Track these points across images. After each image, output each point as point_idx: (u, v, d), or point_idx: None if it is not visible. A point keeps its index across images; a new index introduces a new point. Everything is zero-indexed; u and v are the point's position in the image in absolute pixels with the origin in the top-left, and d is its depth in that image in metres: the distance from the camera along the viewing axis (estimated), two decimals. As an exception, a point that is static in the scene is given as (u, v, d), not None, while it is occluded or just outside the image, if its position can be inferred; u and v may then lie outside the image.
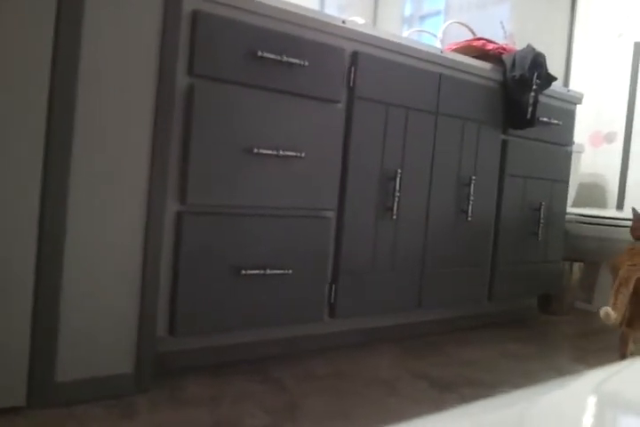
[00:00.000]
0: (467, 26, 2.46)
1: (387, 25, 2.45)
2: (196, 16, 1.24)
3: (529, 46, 1.95)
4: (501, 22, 2.87)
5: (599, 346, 1.84)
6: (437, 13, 2.69)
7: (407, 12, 2.63)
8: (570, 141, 2.15)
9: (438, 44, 2.41)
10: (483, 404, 0.32)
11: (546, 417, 0.31)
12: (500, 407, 0.32)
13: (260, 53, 1.30)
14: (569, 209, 2.47)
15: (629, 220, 2.24)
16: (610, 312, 1.61)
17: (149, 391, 1.17)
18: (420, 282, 1.67)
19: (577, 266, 2.31)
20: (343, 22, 1.48)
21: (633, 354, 1.82)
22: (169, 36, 1.19)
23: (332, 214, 1.48)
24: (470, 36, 2.29)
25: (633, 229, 1.99)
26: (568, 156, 2.14)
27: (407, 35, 2.42)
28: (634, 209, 2.03)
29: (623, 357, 1.77)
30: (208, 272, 1.25)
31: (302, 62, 1.36)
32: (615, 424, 0.31)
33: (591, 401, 0.33)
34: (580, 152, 2.74)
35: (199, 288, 1.24)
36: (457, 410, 0.30)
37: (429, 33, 2.54)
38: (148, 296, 1.16)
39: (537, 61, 1.87)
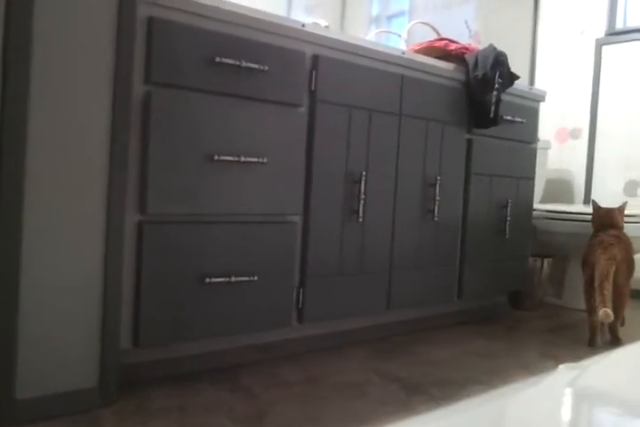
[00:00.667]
0: (431, 26, 2.47)
1: (354, 25, 2.45)
2: (151, 23, 1.22)
3: (490, 46, 1.96)
4: (466, 22, 2.89)
5: (568, 340, 1.87)
6: (404, 13, 2.69)
7: (374, 12, 2.63)
8: (534, 139, 2.18)
9: (403, 45, 2.42)
10: (461, 404, 0.31)
11: (524, 413, 0.31)
12: (479, 406, 0.31)
13: (218, 59, 1.29)
14: (537, 205, 2.50)
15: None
16: (608, 312, 1.63)
17: (115, 404, 1.16)
18: (388, 283, 1.68)
19: (546, 262, 2.34)
20: (303, 26, 1.47)
21: (603, 342, 1.85)
22: (124, 44, 1.18)
23: (297, 219, 1.48)
24: (435, 37, 2.31)
25: (594, 221, 2.04)
26: (533, 153, 2.17)
27: (372, 35, 2.43)
28: (593, 201, 2.08)
29: (592, 343, 1.81)
30: (171, 282, 1.24)
31: (262, 67, 1.36)
32: (592, 419, 0.31)
33: (567, 396, 0.33)
34: (546, 148, 2.78)
35: (163, 298, 1.23)
36: (435, 413, 0.30)
37: (394, 33, 2.55)
38: (110, 308, 1.15)
39: (498, 60, 1.89)
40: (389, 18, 2.70)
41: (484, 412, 0.30)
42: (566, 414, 0.31)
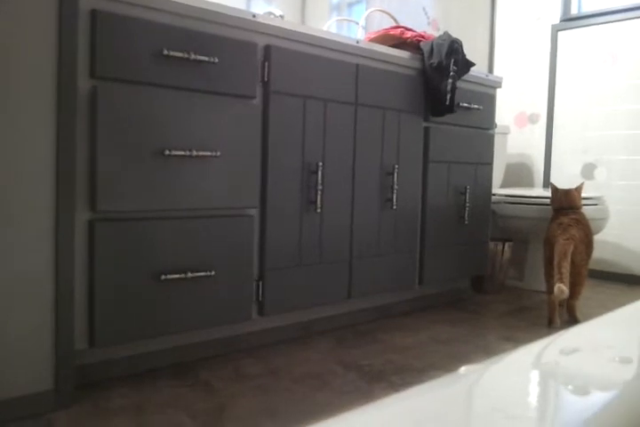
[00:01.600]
0: (388, 13, 2.47)
1: (315, 13, 2.43)
2: (94, 15, 1.19)
3: (445, 33, 1.97)
4: (424, 8, 2.90)
5: (528, 322, 1.91)
6: (362, 1, 2.68)
7: (335, -1, 2.61)
8: (491, 125, 2.20)
9: (360, 33, 2.41)
10: (425, 386, 0.32)
11: (491, 392, 0.31)
12: (445, 386, 0.32)
13: (165, 52, 1.26)
14: (497, 190, 2.54)
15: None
16: (562, 288, 1.69)
17: (72, 406, 1.14)
18: (349, 272, 1.69)
19: (507, 245, 2.38)
20: (254, 16, 1.45)
21: (562, 322, 1.90)
22: (66, 38, 1.15)
23: (254, 212, 1.47)
24: (393, 24, 2.30)
25: (553, 202, 2.10)
26: (490, 139, 2.19)
27: (330, 23, 2.41)
28: (552, 183, 2.14)
29: (551, 322, 1.86)
30: (126, 280, 1.22)
31: (212, 59, 1.34)
32: (558, 395, 0.31)
33: (533, 374, 0.34)
34: (505, 133, 2.82)
35: (118, 297, 1.21)
36: (399, 395, 0.30)
37: (352, 21, 2.54)
38: (62, 309, 1.13)
39: (453, 48, 1.90)
40: (350, 5, 2.68)
41: (452, 390, 0.30)
42: (534, 391, 0.32)
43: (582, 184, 2.10)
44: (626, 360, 0.32)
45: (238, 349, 1.53)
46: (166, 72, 1.28)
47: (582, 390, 0.27)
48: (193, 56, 1.31)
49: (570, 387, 0.27)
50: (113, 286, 1.21)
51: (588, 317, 1.95)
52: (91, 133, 1.19)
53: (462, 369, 0.29)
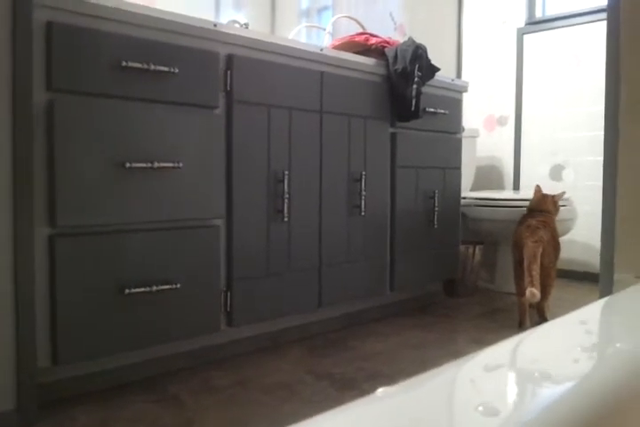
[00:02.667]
0: (355, 19, 2.48)
1: (283, 19, 2.43)
2: (50, 27, 1.18)
3: (410, 39, 1.99)
4: (391, 14, 2.92)
5: (499, 324, 1.93)
6: (329, 7, 2.69)
7: (304, 5, 2.61)
8: (458, 129, 2.22)
9: (327, 39, 2.42)
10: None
11: (468, 388, 0.31)
12: (424, 384, 0.32)
13: (124, 63, 1.25)
14: (467, 193, 2.56)
15: (525, 200, 2.36)
16: (534, 291, 1.71)
17: (35, 426, 1.12)
18: (318, 281, 1.69)
19: (478, 248, 2.40)
20: (215, 26, 1.45)
21: (532, 324, 1.92)
22: (21, 51, 1.13)
23: (220, 222, 1.46)
24: (360, 30, 2.32)
25: (530, 203, 2.10)
26: (458, 143, 2.21)
27: (297, 30, 2.42)
28: (537, 185, 2.16)
29: (522, 324, 1.88)
30: (89, 295, 1.21)
31: (172, 70, 1.33)
32: (535, 388, 0.32)
33: (506, 369, 0.34)
34: (474, 137, 2.85)
35: (81, 313, 1.20)
36: (387, 389, 0.30)
37: (319, 27, 2.55)
38: (23, 326, 1.11)
39: (417, 54, 1.91)
40: (319, 11, 2.69)
41: (431, 387, 0.30)
42: (510, 386, 0.32)
43: (562, 193, 2.13)
44: (545, 376, 0.33)
45: (208, 361, 1.52)
46: (125, 83, 1.27)
47: (493, 411, 0.27)
48: (153, 67, 1.30)
49: (480, 409, 0.28)
50: (76, 302, 1.19)
51: (558, 317, 1.98)
52: (48, 147, 1.17)
53: (379, 391, 0.29)
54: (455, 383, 0.32)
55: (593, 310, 0.57)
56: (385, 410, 0.28)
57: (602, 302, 0.61)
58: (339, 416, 0.27)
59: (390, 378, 1.41)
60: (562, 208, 2.33)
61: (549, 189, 2.84)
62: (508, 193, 2.55)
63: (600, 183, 1.09)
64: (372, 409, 0.28)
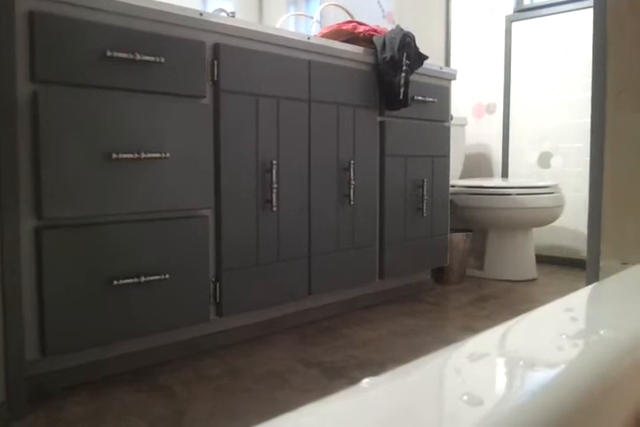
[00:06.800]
0: (342, 7, 2.46)
1: (272, 8, 2.40)
2: (32, 17, 1.16)
3: (397, 27, 1.98)
4: (379, 1, 2.90)
5: (488, 311, 1.94)
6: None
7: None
8: (447, 117, 2.22)
9: (315, 28, 2.40)
10: (391, 374, 0.32)
11: (453, 378, 0.31)
12: (409, 374, 0.32)
13: (109, 53, 1.24)
14: (456, 181, 2.57)
15: (514, 188, 2.37)
16: None
17: (25, 418, 1.12)
18: (307, 269, 1.69)
19: (467, 236, 2.41)
20: (201, 14, 1.43)
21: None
22: (3, 42, 1.11)
23: (208, 212, 1.46)
24: (348, 18, 2.30)
25: None
26: (446, 131, 2.21)
27: (284, 19, 2.40)
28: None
29: None
30: (77, 287, 1.20)
31: (158, 59, 1.31)
32: (519, 377, 0.32)
33: (491, 358, 0.35)
34: (463, 125, 2.85)
35: (68, 305, 1.19)
36: (374, 379, 0.30)
37: (307, 16, 2.53)
38: (10, 319, 1.10)
39: (405, 42, 1.90)
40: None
41: (422, 374, 0.31)
42: (500, 373, 0.32)
43: None
44: (530, 364, 0.33)
45: (198, 351, 1.52)
46: (111, 74, 1.26)
47: (477, 401, 0.28)
48: (138, 57, 1.28)
49: (465, 398, 0.28)
50: (64, 294, 1.19)
51: (545, 303, 2.00)
52: (33, 139, 1.16)
53: (365, 381, 0.30)
54: (441, 373, 0.32)
55: (579, 298, 0.58)
56: (369, 401, 0.28)
57: (588, 289, 0.62)
58: (322, 408, 0.27)
59: (381, 366, 1.43)
60: (550, 195, 2.35)
61: (538, 176, 2.86)
62: (496, 181, 2.56)
63: (588, 170, 1.10)
64: (357, 400, 0.28)
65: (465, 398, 0.28)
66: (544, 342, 0.39)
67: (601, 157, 0.98)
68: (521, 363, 0.34)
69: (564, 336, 0.40)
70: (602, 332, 0.41)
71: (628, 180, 0.95)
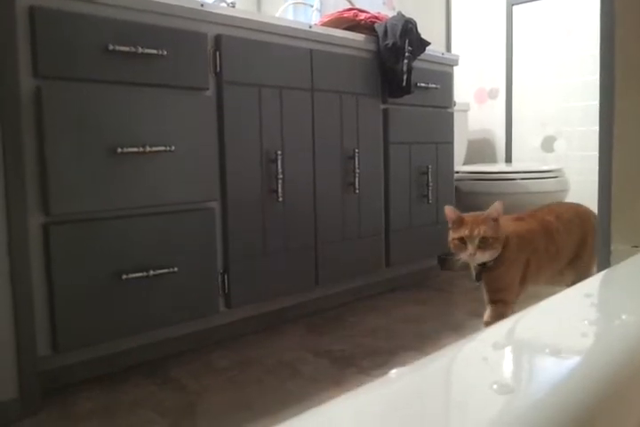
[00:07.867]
0: (342, -6, 2.44)
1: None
2: (33, 12, 1.15)
3: (399, 14, 1.96)
4: (378, -13, 2.87)
5: (495, 298, 1.94)
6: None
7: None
8: (450, 103, 2.21)
9: (315, 16, 2.38)
10: (418, 364, 0.32)
11: (480, 367, 0.31)
12: (435, 364, 0.32)
13: (111, 47, 1.23)
14: (460, 167, 2.56)
15: (518, 172, 2.36)
16: None
17: (39, 414, 1.13)
18: (314, 259, 1.69)
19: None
20: (202, 5, 1.42)
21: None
22: (4, 37, 1.11)
23: (215, 204, 1.46)
24: (348, 6, 2.28)
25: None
26: (450, 117, 2.20)
27: (284, 7, 2.38)
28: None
29: None
30: (86, 282, 1.20)
31: (160, 52, 1.30)
32: (546, 364, 0.32)
33: (516, 346, 0.35)
34: (465, 111, 2.83)
35: (78, 300, 1.19)
36: (379, 380, 0.30)
37: (307, 4, 2.50)
38: (21, 316, 1.10)
39: (407, 28, 1.89)
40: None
41: (431, 369, 0.31)
42: (510, 364, 0.32)
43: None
44: (555, 352, 0.33)
45: (208, 343, 1.52)
46: (113, 68, 1.25)
47: (507, 389, 0.28)
48: (140, 50, 1.27)
49: (494, 387, 0.28)
50: (73, 290, 1.19)
51: (548, 286, 1.99)
52: (38, 135, 1.15)
53: (393, 372, 0.29)
54: (467, 362, 0.32)
55: (596, 283, 0.57)
56: (400, 392, 0.28)
57: (603, 273, 0.62)
58: (354, 400, 0.27)
59: (391, 354, 1.43)
60: (554, 180, 2.34)
61: (542, 160, 2.85)
62: (500, 166, 2.55)
63: (592, 153, 1.10)
64: (387, 392, 0.28)
65: (495, 386, 0.28)
66: (567, 328, 0.39)
67: (610, 141, 0.98)
68: (547, 350, 0.33)
69: (586, 322, 0.39)
70: (624, 317, 0.40)
71: (637, 163, 0.94)
